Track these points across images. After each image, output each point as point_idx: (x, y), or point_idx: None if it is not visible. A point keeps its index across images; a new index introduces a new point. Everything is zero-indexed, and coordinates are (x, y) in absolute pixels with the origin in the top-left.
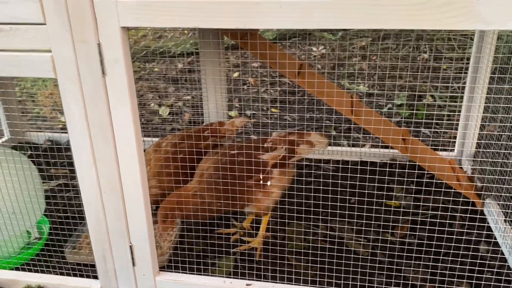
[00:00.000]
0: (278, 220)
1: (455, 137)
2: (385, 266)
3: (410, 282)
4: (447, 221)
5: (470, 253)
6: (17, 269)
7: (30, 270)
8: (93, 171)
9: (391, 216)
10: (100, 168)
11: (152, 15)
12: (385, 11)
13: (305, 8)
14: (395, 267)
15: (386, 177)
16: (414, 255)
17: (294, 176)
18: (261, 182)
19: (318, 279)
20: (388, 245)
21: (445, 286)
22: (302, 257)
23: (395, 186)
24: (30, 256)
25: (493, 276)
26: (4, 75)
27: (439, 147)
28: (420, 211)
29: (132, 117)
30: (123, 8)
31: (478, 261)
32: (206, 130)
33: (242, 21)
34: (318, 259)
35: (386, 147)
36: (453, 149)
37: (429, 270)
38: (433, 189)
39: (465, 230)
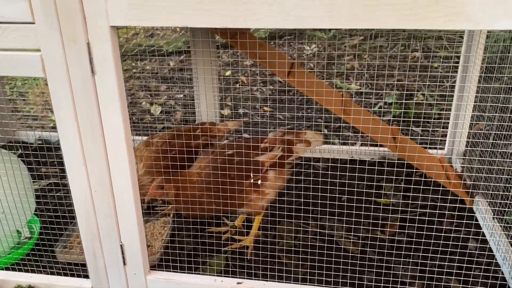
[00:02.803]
0: (269, 218)
1: (445, 135)
2: (375, 263)
3: (399, 280)
4: (436, 219)
5: (459, 250)
6: (7, 269)
7: (20, 270)
8: (83, 170)
9: (381, 214)
10: (90, 167)
11: (141, 14)
12: (376, 11)
13: (294, 7)
14: (385, 264)
15: (375, 176)
16: (403, 252)
17: (291, 175)
18: (257, 183)
19: (308, 277)
20: (378, 242)
21: (434, 283)
22: (293, 255)
23: (384, 184)
24: (21, 255)
25: (481, 273)
26: None
27: (429, 145)
28: (409, 209)
29: (121, 116)
30: (112, 7)
31: (466, 258)
32: (197, 129)
33: (231, 20)
34: (309, 257)
35: (376, 145)
36: (443, 147)
37: (419, 267)
38: (422, 187)
39: (453, 228)
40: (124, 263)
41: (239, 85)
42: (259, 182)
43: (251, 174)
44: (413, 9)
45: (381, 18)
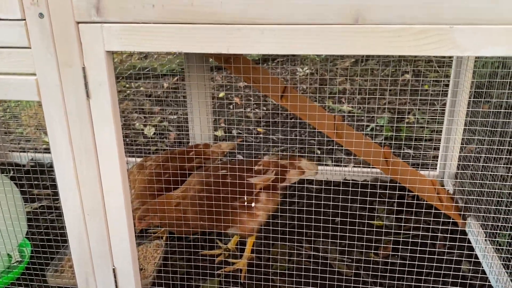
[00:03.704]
0: (263, 241)
1: (437, 157)
2: (369, 286)
3: None
4: (429, 241)
5: (452, 272)
6: None
7: None
8: (76, 193)
9: (374, 237)
10: (83, 190)
11: (136, 39)
12: (365, 38)
13: (287, 34)
14: (378, 287)
15: (369, 198)
16: (397, 275)
17: (284, 197)
18: (247, 204)
19: None
20: (371, 265)
21: None
22: (287, 278)
23: (377, 206)
24: (11, 280)
25: None
26: None
27: (421, 167)
28: (402, 231)
29: (116, 140)
30: (108, 33)
31: (459, 280)
32: (191, 151)
33: (224, 46)
34: (303, 280)
35: (369, 166)
36: (435, 169)
37: None
38: (415, 209)
39: (446, 250)
40: (117, 287)
41: (233, 107)
42: (253, 204)
43: (241, 195)
44: (402, 36)
45: (371, 45)
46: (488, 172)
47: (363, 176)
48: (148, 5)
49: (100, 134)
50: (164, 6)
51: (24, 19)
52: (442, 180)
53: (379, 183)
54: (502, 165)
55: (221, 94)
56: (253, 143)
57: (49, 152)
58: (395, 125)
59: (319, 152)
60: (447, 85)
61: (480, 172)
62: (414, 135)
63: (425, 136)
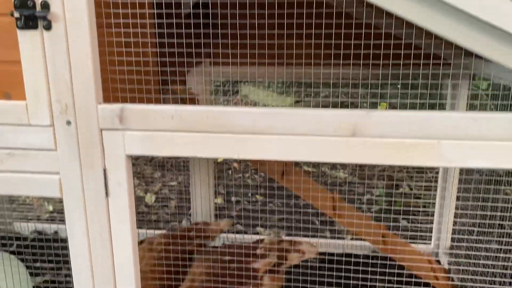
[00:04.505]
0: None
1: (431, 230)
2: None
3: None
4: None
5: None
6: None
7: None
8: (90, 285)
9: None
10: (97, 282)
11: (155, 145)
12: (361, 149)
13: (291, 144)
14: None
15: (369, 269)
16: None
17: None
18: None
19: None
20: None
21: None
22: None
23: (377, 284)
24: None
25: None
26: (12, 194)
27: (416, 239)
28: None
29: (131, 234)
30: (129, 139)
31: None
32: (191, 231)
33: (235, 152)
34: None
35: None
36: (430, 242)
37: None
38: (413, 287)
39: None
40: None
41: (231, 172)
42: None
43: (246, 280)
44: (395, 149)
45: (366, 155)
46: (481, 248)
47: (362, 249)
48: (167, 117)
49: (116, 229)
50: (182, 118)
51: (53, 125)
52: (437, 252)
53: (379, 260)
54: (495, 244)
55: (220, 159)
56: (251, 211)
57: (52, 222)
58: (392, 197)
59: (317, 223)
60: None
61: (472, 253)
62: (411, 208)
63: (420, 208)
